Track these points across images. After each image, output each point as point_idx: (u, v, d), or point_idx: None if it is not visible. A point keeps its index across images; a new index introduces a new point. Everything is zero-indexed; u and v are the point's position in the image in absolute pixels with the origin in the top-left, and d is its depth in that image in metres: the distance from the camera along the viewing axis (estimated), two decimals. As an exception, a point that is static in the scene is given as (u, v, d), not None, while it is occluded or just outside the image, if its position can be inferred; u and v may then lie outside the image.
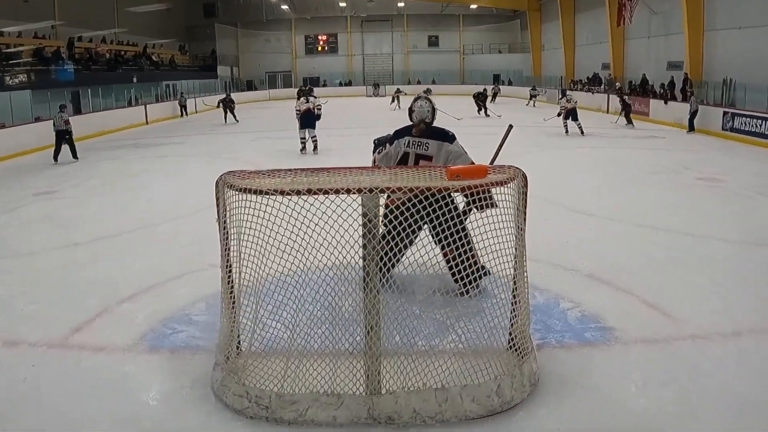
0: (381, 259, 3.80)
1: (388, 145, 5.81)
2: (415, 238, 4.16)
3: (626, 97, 23.42)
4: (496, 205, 4.57)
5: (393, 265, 4.00)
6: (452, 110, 20.97)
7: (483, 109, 27.16)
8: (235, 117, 26.81)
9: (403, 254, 4.12)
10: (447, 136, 5.56)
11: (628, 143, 17.30)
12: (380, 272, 3.79)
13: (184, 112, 31.12)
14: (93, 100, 24.48)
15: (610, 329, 5.05)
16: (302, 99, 15.64)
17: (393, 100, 32.85)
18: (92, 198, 10.98)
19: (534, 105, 33.26)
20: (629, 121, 21.96)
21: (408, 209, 3.87)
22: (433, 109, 5.63)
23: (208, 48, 44.88)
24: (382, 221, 4.09)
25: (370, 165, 6.15)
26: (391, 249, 3.94)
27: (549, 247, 6.00)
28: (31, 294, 6.03)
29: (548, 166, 12.88)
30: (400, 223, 3.89)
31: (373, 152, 6.38)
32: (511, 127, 6.18)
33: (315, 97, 16.27)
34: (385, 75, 49.18)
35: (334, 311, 4.00)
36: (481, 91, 28.58)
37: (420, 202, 3.95)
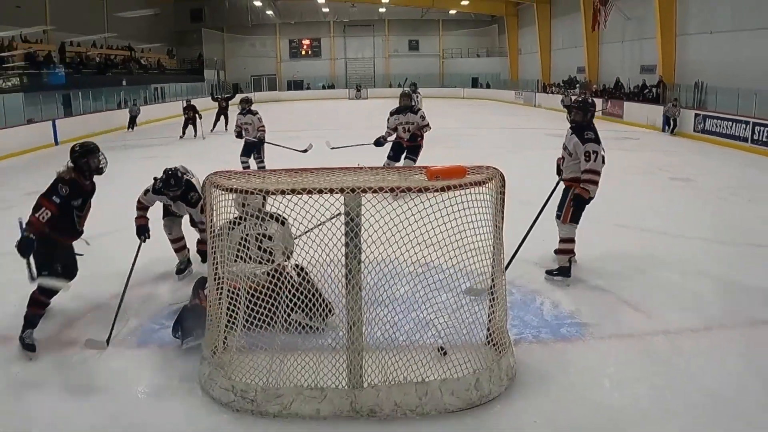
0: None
1: None
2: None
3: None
4: None
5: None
6: (428, 113, 19.89)
7: None
8: (195, 130, 19.89)
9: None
10: None
11: (604, 145, 17.32)
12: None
13: (132, 125, 23.01)
14: (83, 102, 24.23)
15: (585, 325, 5.08)
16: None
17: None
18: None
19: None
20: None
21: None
22: None
23: (195, 52, 44.60)
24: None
25: None
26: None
27: (526, 246, 6.02)
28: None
29: (524, 168, 12.73)
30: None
31: None
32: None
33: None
34: (367, 78, 49.08)
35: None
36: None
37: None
